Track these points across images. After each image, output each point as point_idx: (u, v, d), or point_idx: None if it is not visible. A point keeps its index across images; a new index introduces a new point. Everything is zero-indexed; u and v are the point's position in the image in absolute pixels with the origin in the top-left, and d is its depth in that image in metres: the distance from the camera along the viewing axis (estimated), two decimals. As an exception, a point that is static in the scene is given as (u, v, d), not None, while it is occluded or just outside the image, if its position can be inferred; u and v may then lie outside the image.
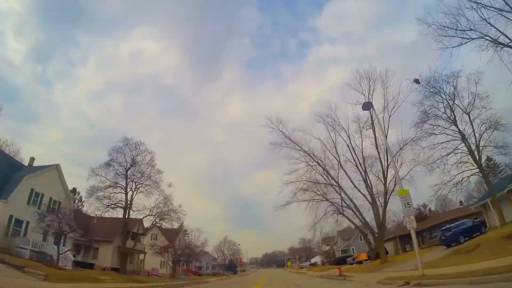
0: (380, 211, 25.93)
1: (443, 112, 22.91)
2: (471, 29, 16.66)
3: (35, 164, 28.14)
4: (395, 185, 23.83)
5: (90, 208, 30.69)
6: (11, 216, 21.42)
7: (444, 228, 24.45)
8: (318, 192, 28.91)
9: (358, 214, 27.09)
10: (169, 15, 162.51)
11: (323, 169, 28.51)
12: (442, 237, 22.86)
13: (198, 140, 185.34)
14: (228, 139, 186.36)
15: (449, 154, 22.61)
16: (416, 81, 22.51)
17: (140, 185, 30.65)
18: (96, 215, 30.51)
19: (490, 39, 16.13)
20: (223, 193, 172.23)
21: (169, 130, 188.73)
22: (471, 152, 21.73)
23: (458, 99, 22.49)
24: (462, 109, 22.36)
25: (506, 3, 15.00)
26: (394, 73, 25.77)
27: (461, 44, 17.25)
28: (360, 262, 35.42)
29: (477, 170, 21.86)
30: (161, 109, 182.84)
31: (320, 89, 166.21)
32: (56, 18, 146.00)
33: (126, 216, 30.04)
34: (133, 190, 30.18)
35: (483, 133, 21.80)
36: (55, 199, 25.56)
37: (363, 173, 26.89)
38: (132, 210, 30.48)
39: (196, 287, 23.47)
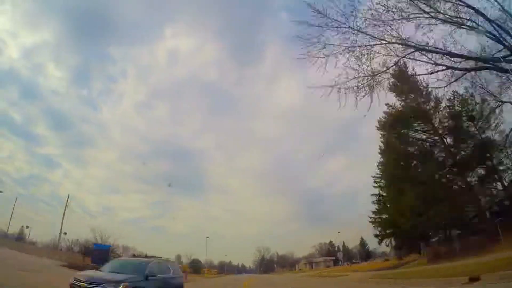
0: None
1: None
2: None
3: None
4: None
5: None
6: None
7: None
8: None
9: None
10: (195, 5, 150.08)
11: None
12: None
13: (254, 136, 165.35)
14: (286, 129, 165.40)
15: None
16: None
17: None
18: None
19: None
20: (290, 190, 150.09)
21: (222, 130, 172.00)
22: None
23: None
24: None
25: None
26: None
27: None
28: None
29: None
30: (209, 109, 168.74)
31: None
32: (86, 38, 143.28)
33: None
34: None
35: None
36: None
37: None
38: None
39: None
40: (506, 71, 15.66)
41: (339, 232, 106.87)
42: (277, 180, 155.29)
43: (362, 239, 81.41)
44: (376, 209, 34.55)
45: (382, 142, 31.15)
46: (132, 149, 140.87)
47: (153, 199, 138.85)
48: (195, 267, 72.65)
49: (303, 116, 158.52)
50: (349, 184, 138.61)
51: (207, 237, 71.92)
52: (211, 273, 68.70)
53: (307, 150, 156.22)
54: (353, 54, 15.19)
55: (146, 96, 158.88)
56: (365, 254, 77.19)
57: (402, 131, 28.10)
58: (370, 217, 34.85)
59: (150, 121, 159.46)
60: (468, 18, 15.20)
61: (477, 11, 14.82)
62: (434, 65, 16.29)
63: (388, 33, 15.32)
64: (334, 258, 79.81)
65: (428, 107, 27.45)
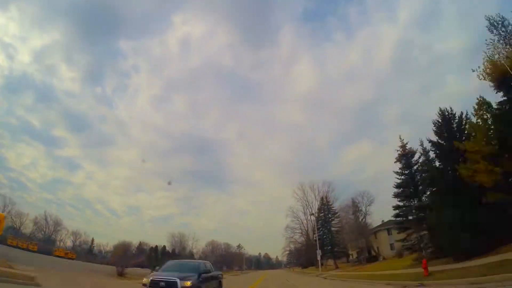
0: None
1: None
2: None
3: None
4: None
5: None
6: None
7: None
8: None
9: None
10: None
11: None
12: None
13: (275, 123, 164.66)
14: (306, 115, 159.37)
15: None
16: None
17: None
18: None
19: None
20: (315, 179, 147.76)
21: (243, 119, 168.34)
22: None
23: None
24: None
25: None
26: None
27: None
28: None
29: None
30: (227, 96, 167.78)
31: (396, 28, 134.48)
32: (95, 34, 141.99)
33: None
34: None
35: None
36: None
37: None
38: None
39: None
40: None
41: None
42: (300, 168, 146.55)
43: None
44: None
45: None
46: (153, 146, 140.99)
47: (178, 195, 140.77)
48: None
49: (320, 100, 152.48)
50: (375, 169, 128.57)
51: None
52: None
53: (329, 135, 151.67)
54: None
55: (162, 89, 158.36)
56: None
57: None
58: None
59: (168, 116, 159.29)
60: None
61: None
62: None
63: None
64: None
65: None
